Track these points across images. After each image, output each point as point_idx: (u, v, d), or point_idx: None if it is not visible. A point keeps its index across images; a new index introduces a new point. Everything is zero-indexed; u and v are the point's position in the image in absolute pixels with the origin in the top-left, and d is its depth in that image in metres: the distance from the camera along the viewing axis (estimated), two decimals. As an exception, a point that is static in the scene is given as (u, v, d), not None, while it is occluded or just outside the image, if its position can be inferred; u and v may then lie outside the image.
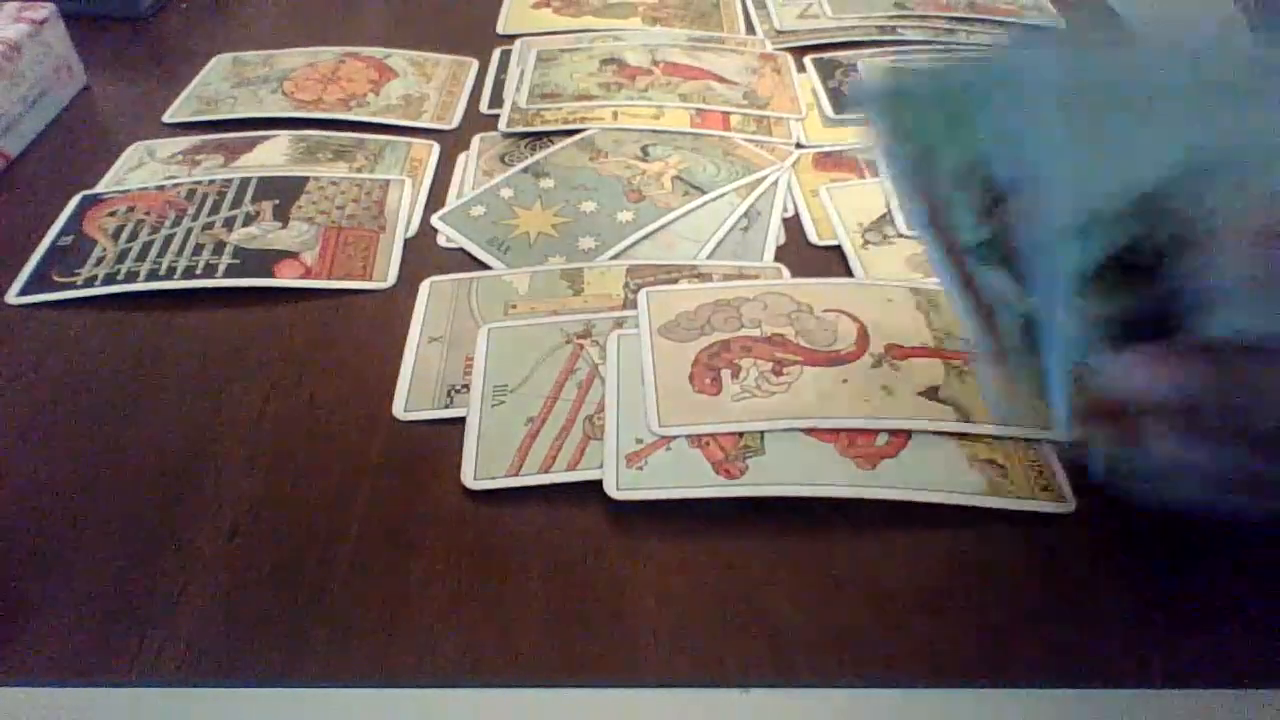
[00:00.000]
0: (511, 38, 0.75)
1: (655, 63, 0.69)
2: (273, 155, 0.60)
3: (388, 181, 0.58)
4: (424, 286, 0.50)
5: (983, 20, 0.78)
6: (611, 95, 0.65)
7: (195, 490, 0.40)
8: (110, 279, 0.50)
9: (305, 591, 0.36)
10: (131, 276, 0.50)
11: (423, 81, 0.69)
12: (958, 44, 0.74)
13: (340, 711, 0.33)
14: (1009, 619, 0.35)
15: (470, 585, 0.36)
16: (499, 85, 0.68)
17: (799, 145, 0.62)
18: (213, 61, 0.71)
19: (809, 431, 0.41)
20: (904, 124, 0.32)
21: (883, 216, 0.55)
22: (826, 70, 0.70)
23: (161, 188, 0.57)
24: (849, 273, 0.51)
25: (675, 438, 0.40)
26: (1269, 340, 0.28)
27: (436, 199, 0.57)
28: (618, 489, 0.38)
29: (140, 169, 0.60)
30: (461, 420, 0.42)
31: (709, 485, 0.39)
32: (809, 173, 0.59)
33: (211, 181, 0.57)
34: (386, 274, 0.51)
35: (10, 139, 0.61)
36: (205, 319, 0.49)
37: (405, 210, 0.56)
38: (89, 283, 0.50)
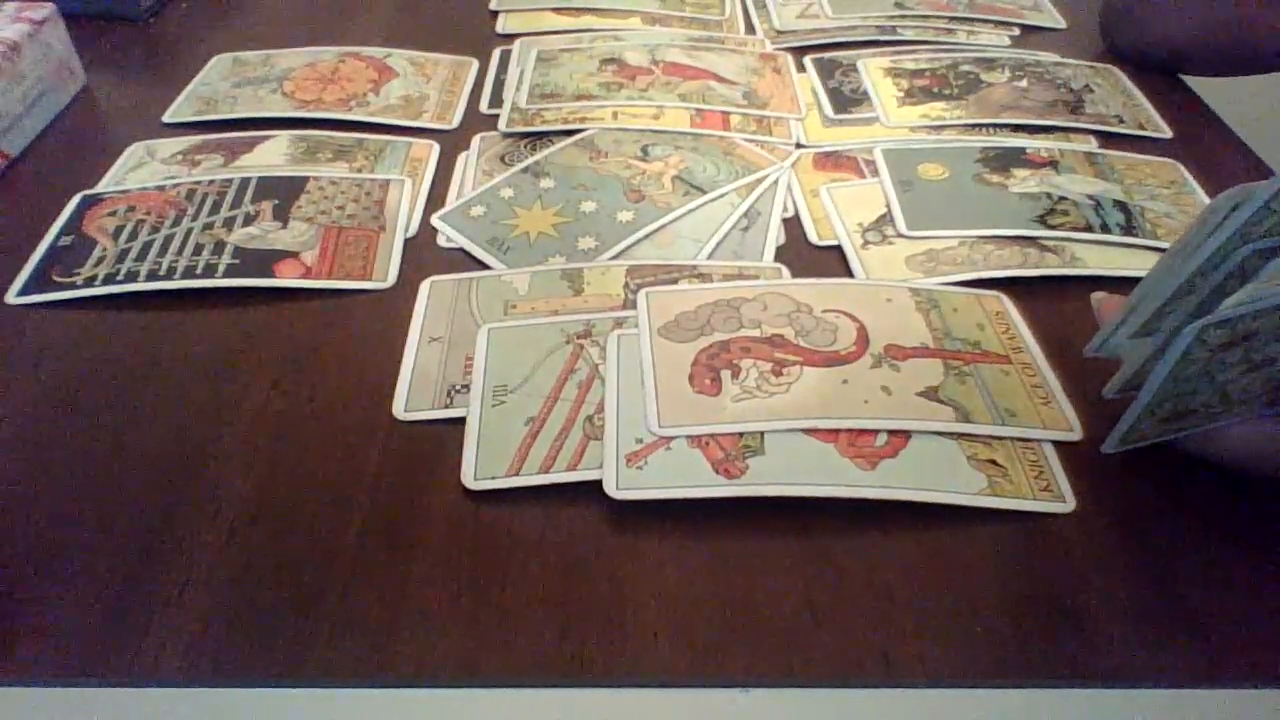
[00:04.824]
0: (511, 37, 0.75)
1: (655, 62, 0.69)
2: (273, 155, 0.60)
3: (388, 181, 0.58)
4: (424, 286, 0.50)
5: (982, 20, 0.78)
6: (611, 95, 0.65)
7: (195, 490, 0.40)
8: (110, 279, 0.50)
9: (305, 591, 0.36)
10: (131, 276, 0.50)
11: (423, 81, 0.69)
12: (957, 44, 0.75)
13: (340, 711, 0.33)
14: (1009, 619, 0.35)
15: (470, 585, 0.36)
16: (499, 85, 0.69)
17: (799, 145, 0.62)
18: (213, 61, 0.72)
19: (809, 432, 0.41)
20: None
21: (882, 216, 0.55)
22: (826, 70, 0.70)
23: (161, 188, 0.57)
24: (849, 273, 0.51)
25: (675, 438, 0.40)
26: None
27: (436, 199, 0.57)
28: (618, 489, 0.38)
29: (140, 169, 0.60)
30: (461, 420, 0.42)
31: (709, 485, 0.39)
32: (809, 173, 0.59)
33: (211, 181, 0.57)
34: (386, 274, 0.51)
35: (10, 139, 0.61)
36: (205, 319, 0.49)
37: (405, 210, 0.56)
38: (89, 283, 0.50)
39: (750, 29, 0.77)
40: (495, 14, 0.79)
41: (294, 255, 0.52)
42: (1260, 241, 0.34)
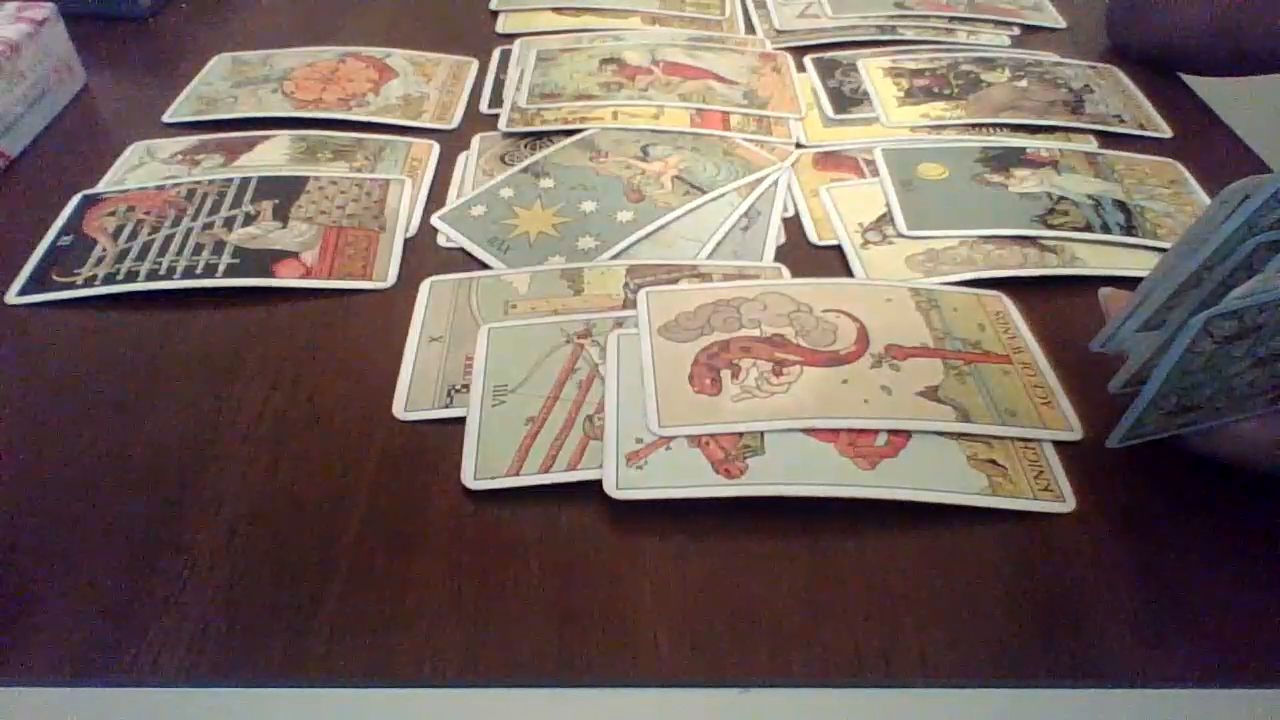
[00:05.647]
0: (511, 37, 0.75)
1: (655, 62, 0.69)
2: (273, 155, 0.60)
3: (388, 181, 0.58)
4: (424, 286, 0.50)
5: (982, 20, 0.78)
6: (611, 95, 0.65)
7: (195, 490, 0.40)
8: (110, 279, 0.50)
9: (305, 591, 0.36)
10: (131, 276, 0.50)
11: (423, 81, 0.69)
12: (957, 44, 0.75)
13: (340, 711, 0.33)
14: (1009, 619, 0.35)
15: (470, 585, 0.36)
16: (499, 85, 0.69)
17: (799, 145, 0.62)
18: (213, 61, 0.72)
19: (809, 431, 0.41)
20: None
21: (882, 216, 0.55)
22: (826, 70, 0.70)
23: (161, 187, 0.57)
24: (849, 273, 0.51)
25: (675, 437, 0.40)
26: None
27: (436, 199, 0.57)
28: (617, 488, 0.38)
29: (140, 169, 0.60)
30: (461, 420, 0.42)
31: (709, 485, 0.39)
32: (809, 172, 0.59)
33: (211, 181, 0.57)
34: (386, 274, 0.51)
35: (10, 139, 0.61)
36: (205, 319, 0.49)
37: (405, 210, 0.56)
38: (89, 283, 0.50)
39: (750, 29, 0.77)
40: (495, 14, 0.80)
41: (294, 255, 0.52)
42: (1267, 234, 0.34)
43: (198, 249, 0.52)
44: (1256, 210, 0.34)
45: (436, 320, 0.48)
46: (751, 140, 0.61)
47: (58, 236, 0.54)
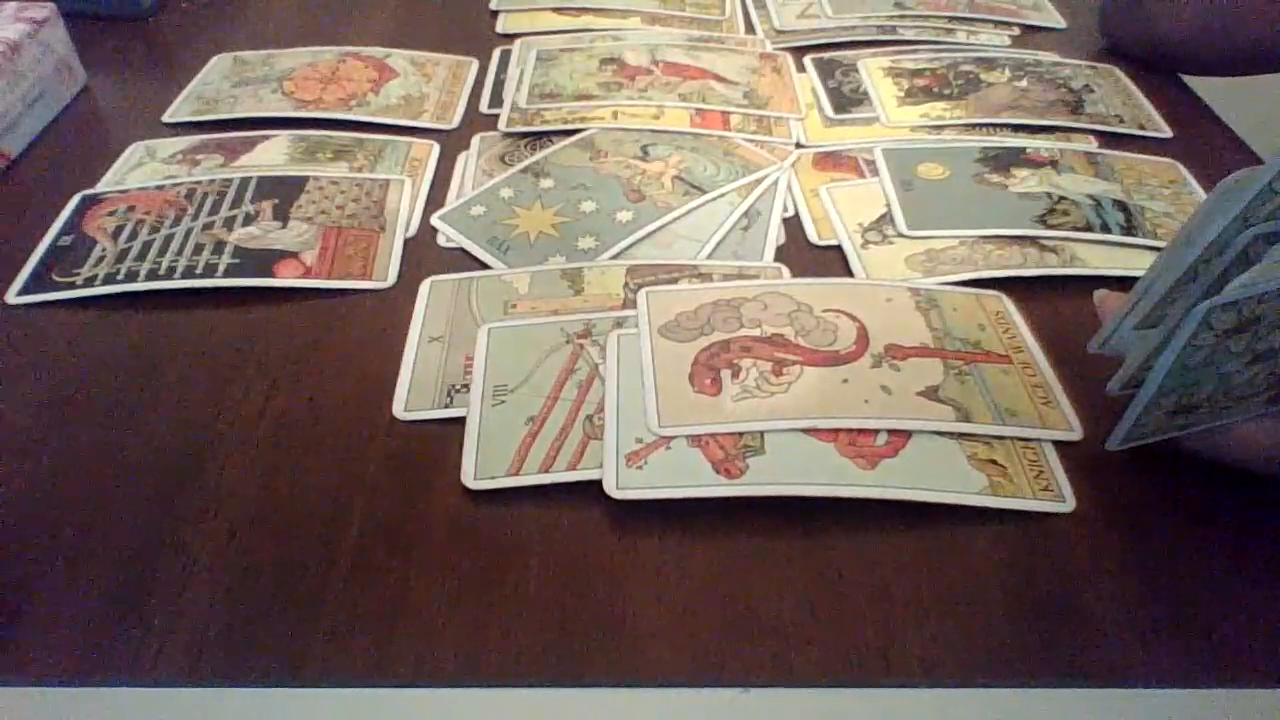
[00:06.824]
0: (511, 37, 0.75)
1: (655, 62, 0.69)
2: (272, 155, 0.60)
3: (388, 181, 0.58)
4: (424, 286, 0.50)
5: (982, 20, 0.78)
6: (611, 95, 0.65)
7: (195, 490, 0.40)
8: (110, 279, 0.50)
9: (305, 591, 0.36)
10: (131, 276, 0.50)
11: (423, 81, 0.69)
12: (957, 44, 0.75)
13: (340, 711, 0.33)
14: (1009, 619, 0.35)
15: (470, 585, 0.36)
16: (499, 85, 0.69)
17: (799, 145, 0.62)
18: (213, 61, 0.72)
19: (809, 431, 0.41)
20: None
21: (882, 216, 0.55)
22: (826, 70, 0.70)
23: (161, 187, 0.57)
24: (849, 273, 0.51)
25: (675, 437, 0.40)
26: None
27: (436, 199, 0.57)
28: (618, 488, 0.38)
29: (140, 169, 0.60)
30: (461, 420, 0.42)
31: (709, 485, 0.39)
32: (809, 172, 0.59)
33: (211, 181, 0.57)
34: (386, 274, 0.51)
35: (10, 139, 0.61)
36: (205, 319, 0.49)
37: (405, 210, 0.56)
38: (89, 282, 0.50)
39: (750, 29, 0.77)
40: (495, 14, 0.80)
41: (294, 255, 0.52)
42: (1263, 225, 0.34)
43: (198, 249, 0.52)
44: (1251, 202, 0.34)
45: (436, 320, 0.48)
46: (751, 140, 0.61)
47: (58, 236, 0.54)
